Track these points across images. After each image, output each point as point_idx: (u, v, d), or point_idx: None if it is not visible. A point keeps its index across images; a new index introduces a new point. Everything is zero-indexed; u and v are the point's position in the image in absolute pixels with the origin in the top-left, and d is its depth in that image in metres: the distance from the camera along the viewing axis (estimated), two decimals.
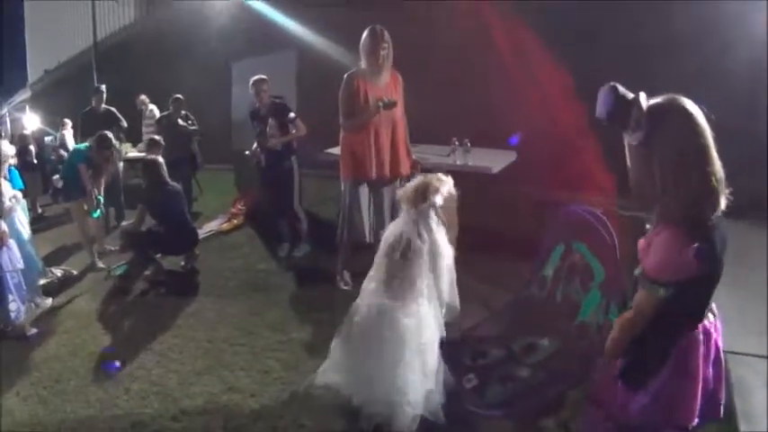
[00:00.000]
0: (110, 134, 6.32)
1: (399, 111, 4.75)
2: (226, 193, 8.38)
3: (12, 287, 4.52)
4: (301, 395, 3.39)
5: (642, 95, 1.79)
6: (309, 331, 4.27)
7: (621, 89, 1.81)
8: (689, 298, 1.82)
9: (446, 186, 3.05)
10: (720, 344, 2.00)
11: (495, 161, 5.59)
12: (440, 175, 3.15)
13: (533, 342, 3.72)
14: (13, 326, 4.53)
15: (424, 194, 2.99)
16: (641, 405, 1.98)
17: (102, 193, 6.41)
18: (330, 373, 3.20)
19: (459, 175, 5.48)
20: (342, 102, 4.65)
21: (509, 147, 6.58)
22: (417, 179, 3.14)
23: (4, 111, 23.50)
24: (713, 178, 1.73)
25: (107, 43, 15.34)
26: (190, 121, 8.21)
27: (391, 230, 3.07)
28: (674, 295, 1.77)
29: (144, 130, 9.51)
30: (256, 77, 5.95)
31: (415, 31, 8.05)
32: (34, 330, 4.62)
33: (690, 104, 1.77)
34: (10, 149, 5.74)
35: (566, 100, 6.41)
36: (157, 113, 8.32)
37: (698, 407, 1.94)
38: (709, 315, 1.95)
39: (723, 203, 1.78)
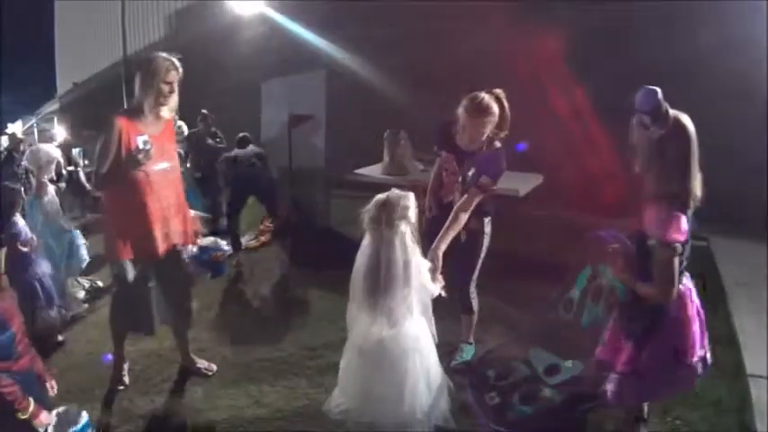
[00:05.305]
0: None
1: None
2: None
3: (41, 293, 4.57)
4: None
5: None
6: (336, 349, 4.21)
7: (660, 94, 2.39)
8: (683, 254, 2.53)
9: (411, 201, 2.98)
10: (696, 300, 2.71)
11: (522, 183, 5.56)
12: (399, 191, 3.02)
13: (557, 363, 3.73)
14: (40, 332, 4.56)
15: (394, 213, 2.85)
16: (651, 351, 2.64)
17: None
18: (341, 397, 3.17)
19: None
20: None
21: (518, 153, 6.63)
22: (381, 197, 3.02)
23: (33, 121, 23.93)
24: (697, 173, 2.47)
25: (137, 58, 15.62)
26: (218, 139, 8.26)
27: (363, 252, 3.00)
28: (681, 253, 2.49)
29: None
30: None
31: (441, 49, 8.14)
32: (60, 338, 4.67)
33: (690, 122, 2.44)
34: (55, 151, 5.57)
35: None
36: (186, 130, 8.40)
37: (697, 344, 2.66)
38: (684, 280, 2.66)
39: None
